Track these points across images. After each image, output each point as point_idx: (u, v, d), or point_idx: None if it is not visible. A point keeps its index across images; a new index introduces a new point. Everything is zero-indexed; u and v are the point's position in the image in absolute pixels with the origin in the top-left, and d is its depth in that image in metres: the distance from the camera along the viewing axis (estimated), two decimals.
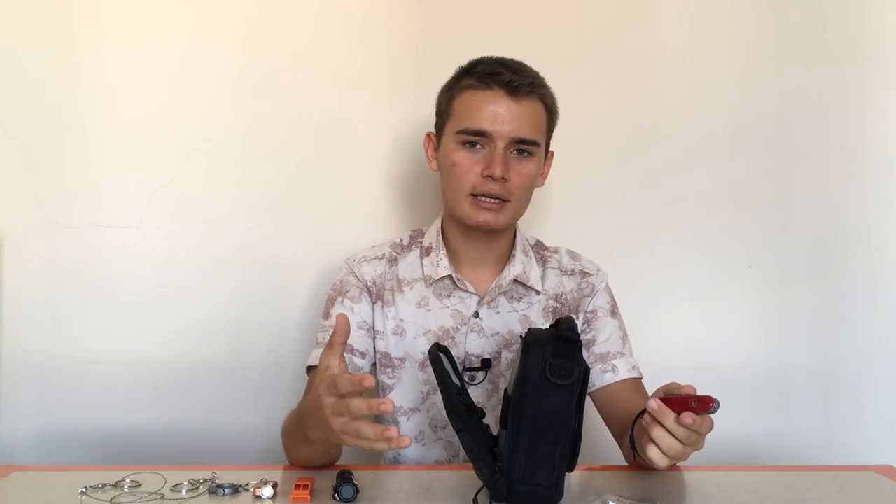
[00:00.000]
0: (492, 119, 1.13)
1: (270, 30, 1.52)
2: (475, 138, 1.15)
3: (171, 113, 1.51)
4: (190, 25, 1.51)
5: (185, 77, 1.51)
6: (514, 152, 1.16)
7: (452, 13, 1.54)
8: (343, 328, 0.89)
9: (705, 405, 0.86)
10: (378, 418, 1.27)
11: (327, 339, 1.19)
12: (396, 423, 1.24)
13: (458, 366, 1.18)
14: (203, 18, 1.51)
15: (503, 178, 1.14)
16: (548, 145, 1.23)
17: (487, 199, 1.15)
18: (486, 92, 1.14)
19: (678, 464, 0.98)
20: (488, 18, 1.54)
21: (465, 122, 1.15)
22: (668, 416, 0.88)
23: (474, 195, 1.15)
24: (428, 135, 1.26)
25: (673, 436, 0.88)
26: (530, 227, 1.41)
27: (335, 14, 1.53)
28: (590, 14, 1.56)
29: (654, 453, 0.90)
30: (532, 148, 1.16)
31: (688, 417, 0.86)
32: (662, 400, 0.90)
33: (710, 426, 0.90)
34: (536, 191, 1.52)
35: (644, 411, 0.93)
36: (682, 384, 0.92)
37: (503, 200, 1.15)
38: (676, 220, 1.58)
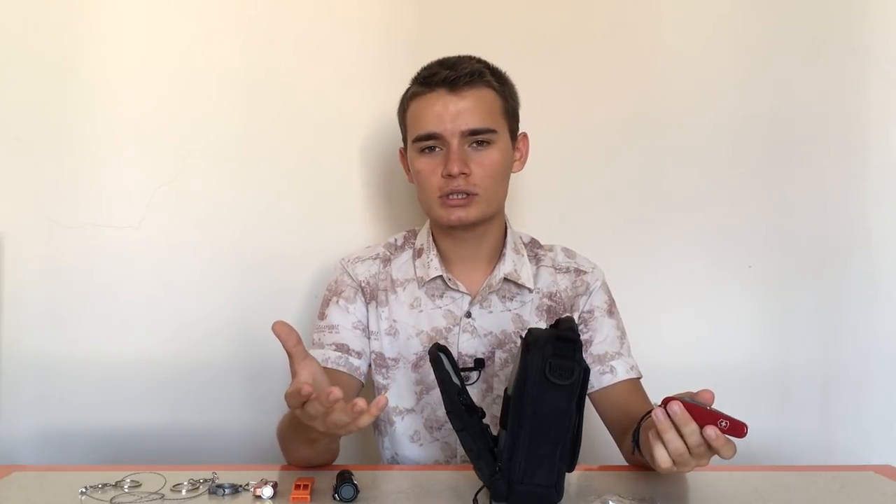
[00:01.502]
0: (436, 120, 1.14)
1: (269, 29, 1.52)
2: (429, 143, 1.16)
3: (171, 113, 1.51)
4: (189, 25, 1.51)
5: (184, 77, 1.51)
6: (472, 145, 1.16)
7: (451, 12, 1.54)
8: (283, 335, 0.86)
9: (737, 430, 0.84)
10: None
11: (323, 339, 1.20)
12: (392, 423, 1.24)
13: None
14: (202, 18, 1.51)
15: (463, 174, 1.14)
16: (514, 129, 1.22)
17: (454, 197, 1.15)
18: (429, 94, 1.16)
19: None
20: (487, 17, 1.54)
21: (416, 130, 1.17)
22: (688, 424, 0.85)
23: (442, 196, 1.16)
24: (399, 151, 1.28)
25: (685, 442, 0.86)
26: (528, 225, 1.41)
27: (333, 14, 1.53)
28: (589, 14, 1.56)
29: (660, 454, 0.87)
30: (488, 136, 1.16)
31: (711, 430, 0.83)
32: (686, 406, 0.86)
33: (733, 452, 0.86)
34: (535, 190, 1.52)
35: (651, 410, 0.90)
36: (699, 391, 0.88)
37: (470, 195, 1.15)
38: (676, 220, 1.58)
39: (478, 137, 1.15)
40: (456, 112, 1.14)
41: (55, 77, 1.49)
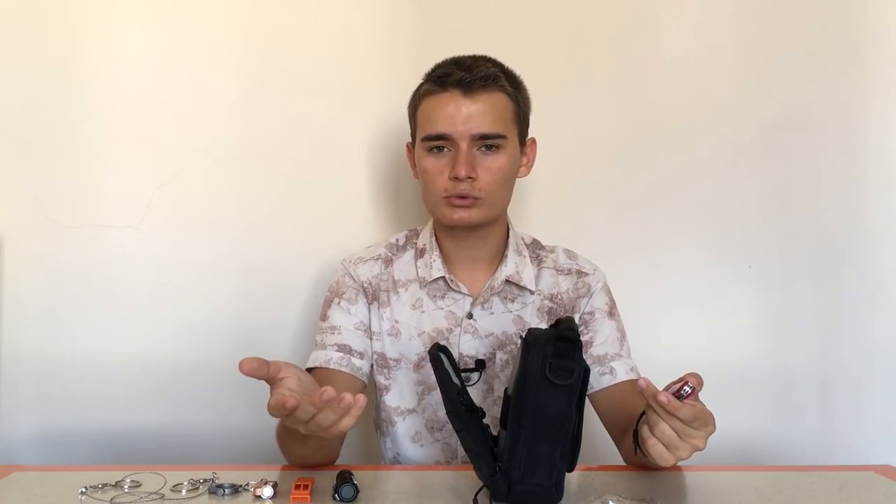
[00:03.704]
0: (448, 121, 1.14)
1: (270, 30, 1.52)
2: (438, 143, 1.16)
3: (171, 113, 1.51)
4: (189, 25, 1.51)
5: (184, 77, 1.51)
6: (482, 148, 1.15)
7: (452, 13, 1.54)
8: (253, 372, 0.85)
9: (678, 390, 0.88)
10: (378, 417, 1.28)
11: (325, 340, 1.20)
12: (393, 423, 1.24)
13: None
14: (202, 19, 1.51)
15: (469, 178, 1.14)
16: (523, 134, 1.22)
17: (459, 199, 1.15)
18: (442, 94, 1.15)
19: (678, 463, 0.98)
20: (488, 18, 1.55)
21: (426, 129, 1.16)
22: (655, 396, 0.88)
23: (447, 196, 1.16)
24: (407, 145, 1.28)
25: (659, 416, 0.89)
26: (529, 225, 1.41)
27: (335, 14, 1.53)
28: (590, 15, 1.56)
29: (645, 431, 0.91)
30: (498, 141, 1.16)
31: (662, 396, 0.86)
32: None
33: (693, 415, 0.88)
34: (537, 191, 1.52)
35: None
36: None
37: (475, 199, 1.15)
38: (676, 221, 1.58)
39: (487, 142, 1.15)
40: (467, 115, 1.13)
41: (55, 77, 1.49)
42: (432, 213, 1.22)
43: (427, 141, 1.16)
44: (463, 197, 1.14)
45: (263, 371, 0.86)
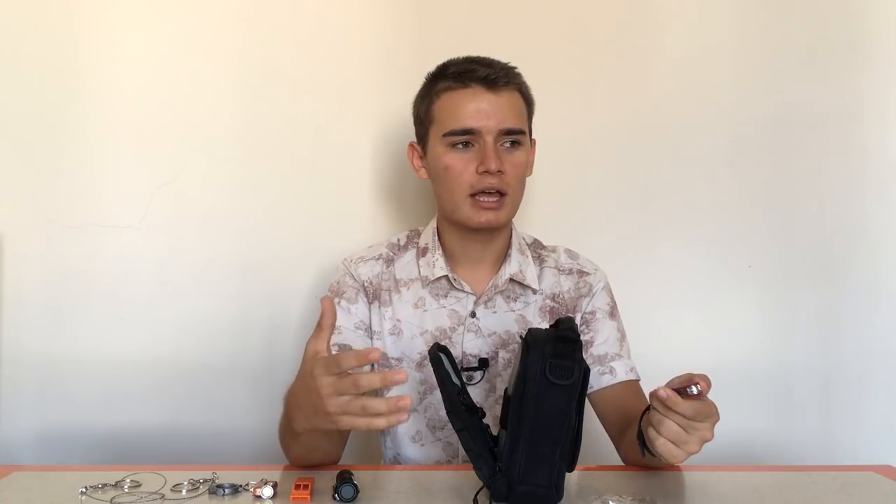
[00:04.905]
0: (476, 115, 1.14)
1: (270, 30, 1.52)
2: (464, 138, 1.15)
3: (171, 113, 1.51)
4: (189, 26, 1.51)
5: (184, 77, 1.51)
6: (506, 144, 1.16)
7: (452, 13, 1.55)
8: (330, 311, 0.90)
9: (684, 389, 0.87)
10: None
11: None
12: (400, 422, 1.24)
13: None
14: (202, 19, 1.51)
15: (499, 171, 1.14)
16: (530, 133, 1.23)
17: (487, 199, 1.15)
18: (465, 90, 1.15)
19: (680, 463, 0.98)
20: (488, 18, 1.55)
21: (450, 124, 1.15)
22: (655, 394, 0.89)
23: (473, 195, 1.15)
24: (410, 145, 1.26)
25: (661, 413, 0.88)
26: (529, 225, 1.41)
27: (335, 14, 1.53)
28: (590, 15, 1.56)
29: (651, 432, 0.90)
30: (520, 137, 1.17)
31: (661, 391, 0.86)
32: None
33: (694, 410, 0.86)
34: (537, 191, 1.53)
35: (649, 408, 0.93)
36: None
37: (502, 195, 1.15)
38: (676, 220, 1.58)
39: (511, 137, 1.16)
40: (493, 110, 1.14)
41: (55, 77, 1.49)
42: (452, 214, 1.19)
43: (451, 136, 1.15)
44: (490, 193, 1.14)
45: (334, 318, 0.90)
